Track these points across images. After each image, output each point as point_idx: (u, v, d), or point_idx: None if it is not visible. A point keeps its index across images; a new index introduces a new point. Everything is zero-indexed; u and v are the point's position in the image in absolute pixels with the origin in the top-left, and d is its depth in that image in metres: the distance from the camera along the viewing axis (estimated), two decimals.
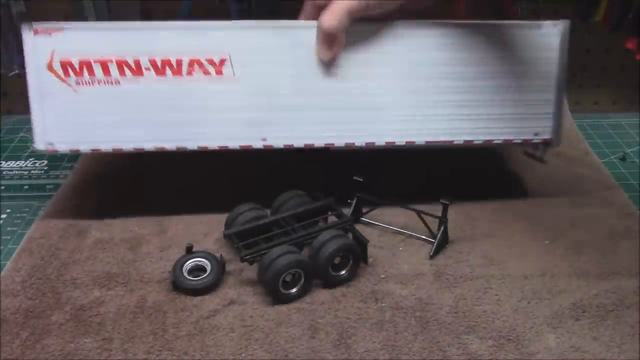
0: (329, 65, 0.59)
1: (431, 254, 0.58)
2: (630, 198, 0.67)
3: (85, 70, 0.57)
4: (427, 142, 0.61)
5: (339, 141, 0.60)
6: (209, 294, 0.54)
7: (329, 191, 0.61)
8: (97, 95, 0.58)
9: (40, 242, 0.60)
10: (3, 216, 0.67)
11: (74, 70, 0.57)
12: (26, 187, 0.73)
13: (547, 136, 0.63)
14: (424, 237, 0.60)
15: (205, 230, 0.62)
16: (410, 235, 0.61)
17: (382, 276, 0.56)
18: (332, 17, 0.56)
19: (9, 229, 0.65)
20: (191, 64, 0.58)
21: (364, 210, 0.63)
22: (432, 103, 0.60)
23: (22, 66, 0.81)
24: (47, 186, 0.73)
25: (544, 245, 0.60)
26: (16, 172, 0.76)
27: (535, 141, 0.63)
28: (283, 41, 0.58)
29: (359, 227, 0.60)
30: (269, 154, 0.61)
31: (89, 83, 0.57)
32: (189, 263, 0.56)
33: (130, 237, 0.61)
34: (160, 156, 0.60)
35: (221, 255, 0.56)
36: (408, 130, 0.61)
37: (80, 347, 0.49)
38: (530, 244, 0.60)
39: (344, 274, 0.55)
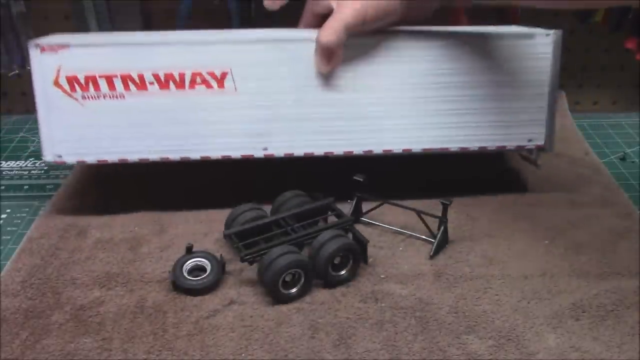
0: (327, 77, 0.60)
1: (431, 254, 0.58)
2: (630, 198, 0.67)
3: (91, 85, 0.59)
4: (423, 149, 0.63)
5: (338, 150, 0.62)
6: (209, 294, 0.54)
7: (328, 191, 0.61)
8: (102, 109, 0.59)
9: (40, 242, 0.60)
10: (3, 216, 0.67)
11: (80, 85, 0.59)
12: (26, 187, 0.73)
13: (540, 142, 0.64)
14: (424, 237, 0.60)
15: (205, 230, 0.62)
16: (410, 235, 0.61)
17: (382, 276, 0.56)
18: (330, 32, 0.57)
19: (9, 229, 0.65)
20: (193, 77, 0.59)
21: (364, 210, 0.63)
22: (428, 112, 0.62)
23: (22, 66, 0.82)
24: (47, 186, 0.73)
25: (544, 245, 0.60)
26: (16, 172, 0.76)
27: (528, 147, 0.65)
28: (283, 54, 0.60)
29: (359, 227, 0.60)
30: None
31: (95, 97, 0.59)
32: (189, 263, 0.56)
33: (130, 237, 0.61)
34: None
35: (221, 255, 0.56)
36: (404, 139, 0.63)
37: (80, 347, 0.49)
38: (530, 244, 0.60)
39: (344, 274, 0.55)
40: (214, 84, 0.59)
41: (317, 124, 0.61)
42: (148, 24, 0.83)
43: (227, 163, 0.62)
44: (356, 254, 0.55)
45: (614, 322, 0.51)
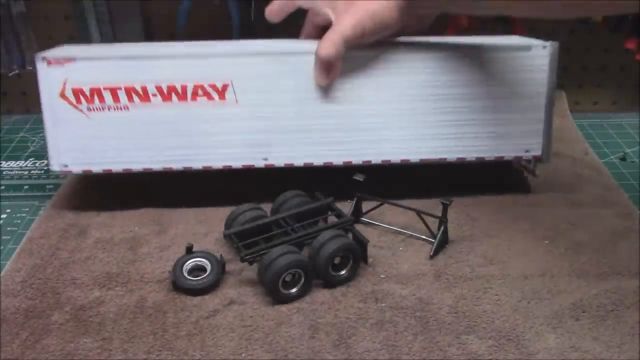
0: (327, 89, 0.61)
1: (431, 254, 0.58)
2: (630, 198, 0.67)
3: (96, 97, 0.60)
4: (421, 160, 0.64)
5: (337, 160, 0.63)
6: (209, 294, 0.54)
7: (328, 191, 0.61)
8: (107, 120, 0.60)
9: (40, 242, 0.60)
10: (3, 216, 0.67)
11: (85, 97, 0.60)
12: (26, 187, 0.73)
13: (537, 153, 0.65)
14: (424, 237, 0.60)
15: (205, 230, 0.62)
16: (410, 235, 0.61)
17: (382, 276, 0.56)
18: (328, 45, 0.58)
19: (9, 229, 0.65)
20: (195, 90, 0.60)
21: (364, 210, 0.63)
22: (427, 123, 0.63)
23: (22, 66, 0.82)
24: (47, 186, 0.73)
25: (544, 245, 0.60)
26: (16, 172, 0.76)
27: (526, 157, 0.65)
28: (283, 67, 0.60)
29: (359, 227, 0.60)
30: None
31: (100, 109, 0.60)
32: (189, 263, 0.56)
33: (130, 237, 0.61)
34: None
35: (221, 255, 0.56)
36: (403, 149, 0.63)
37: (80, 347, 0.49)
38: (530, 244, 0.60)
39: (344, 274, 0.55)
40: (215, 96, 0.60)
41: (316, 135, 0.62)
42: (148, 24, 0.83)
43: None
44: (356, 254, 0.55)
45: (614, 322, 0.51)
